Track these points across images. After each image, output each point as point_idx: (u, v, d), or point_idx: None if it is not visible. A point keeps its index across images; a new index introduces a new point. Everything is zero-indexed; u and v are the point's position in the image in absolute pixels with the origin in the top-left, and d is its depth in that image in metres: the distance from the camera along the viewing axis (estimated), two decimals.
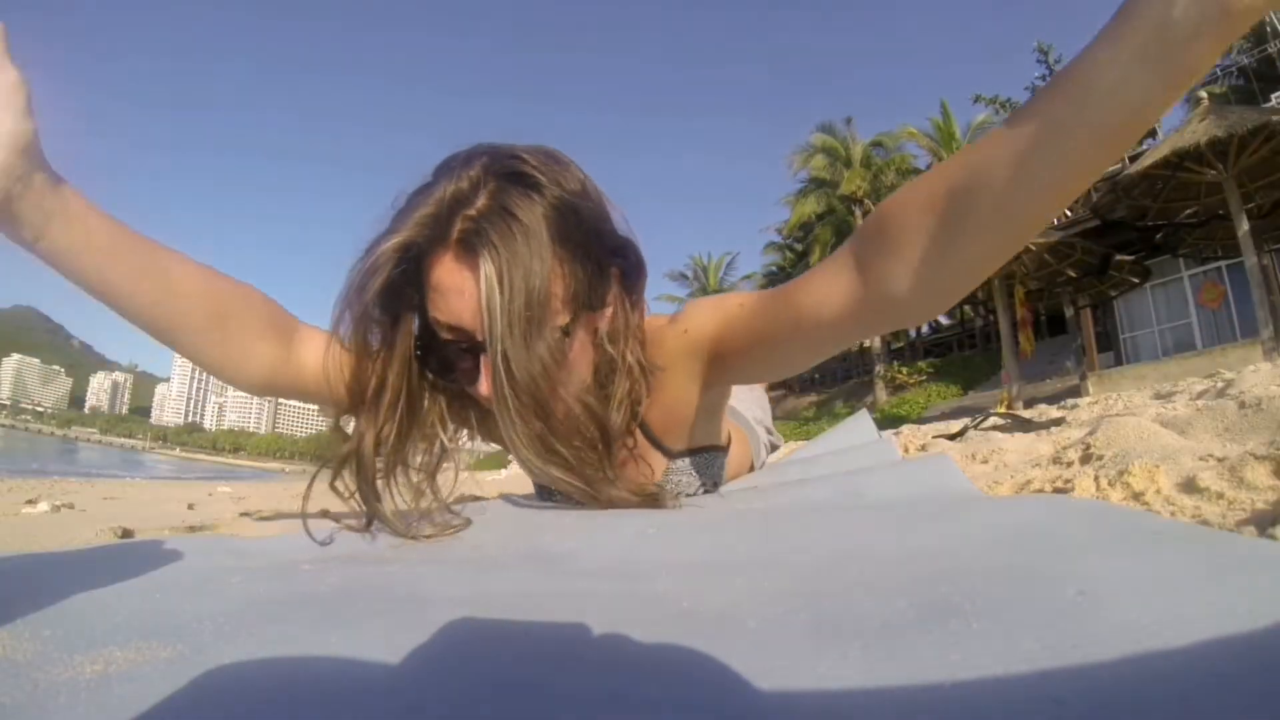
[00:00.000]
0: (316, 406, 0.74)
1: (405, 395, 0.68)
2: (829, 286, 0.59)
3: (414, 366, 0.68)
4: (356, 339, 0.65)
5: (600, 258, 0.67)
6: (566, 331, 0.64)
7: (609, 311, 0.69)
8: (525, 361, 0.59)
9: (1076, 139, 0.43)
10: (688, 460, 0.84)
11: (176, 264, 0.62)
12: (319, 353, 0.69)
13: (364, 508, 0.67)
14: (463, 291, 0.60)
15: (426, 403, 0.70)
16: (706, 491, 0.86)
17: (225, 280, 0.66)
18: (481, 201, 0.60)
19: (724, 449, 0.90)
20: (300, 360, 0.70)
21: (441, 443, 0.72)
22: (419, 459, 0.71)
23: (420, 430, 0.70)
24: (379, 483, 0.67)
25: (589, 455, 0.66)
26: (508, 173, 0.62)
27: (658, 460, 0.81)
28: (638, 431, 0.76)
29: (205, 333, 0.64)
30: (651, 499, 0.71)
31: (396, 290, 0.64)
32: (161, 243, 0.61)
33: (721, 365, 0.72)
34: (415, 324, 0.67)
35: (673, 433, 0.81)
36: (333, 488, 0.67)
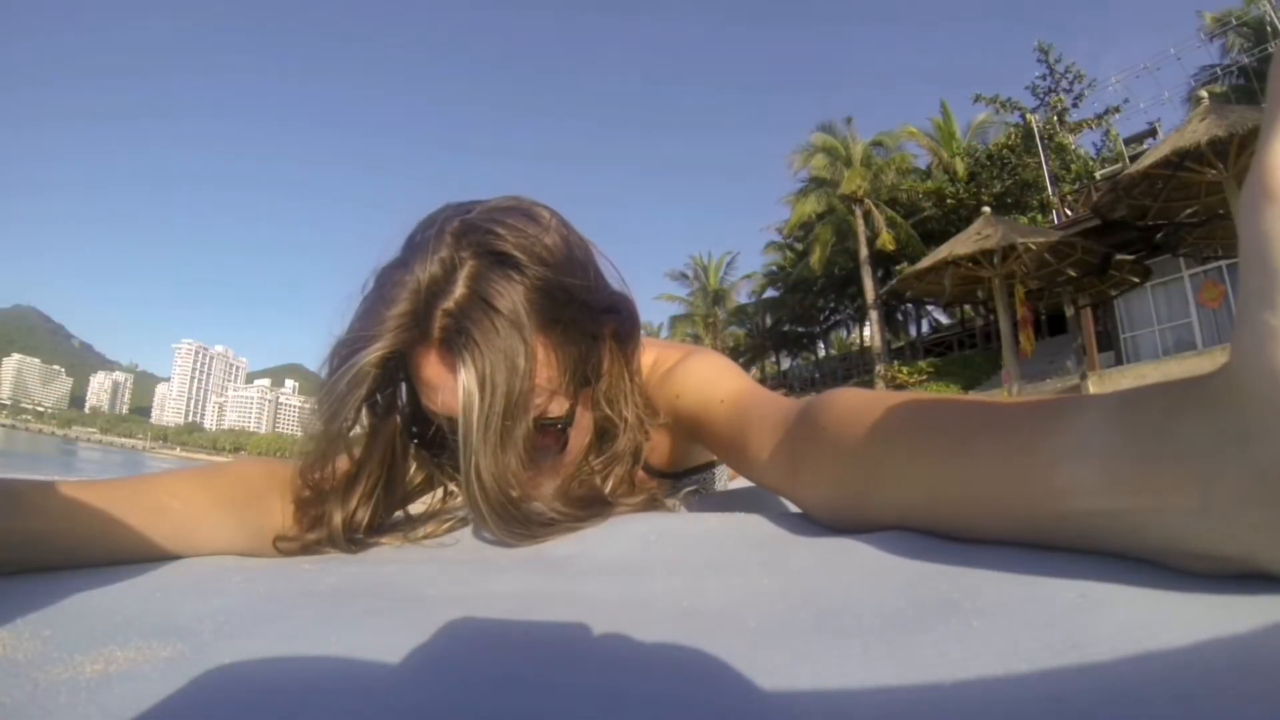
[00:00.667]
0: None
1: (384, 478, 0.65)
2: (764, 454, 0.60)
3: (398, 447, 0.65)
4: (335, 446, 0.61)
5: (593, 329, 0.64)
6: (568, 422, 0.63)
7: (605, 376, 0.68)
8: (497, 474, 0.56)
9: (1013, 521, 0.36)
10: (684, 480, 0.86)
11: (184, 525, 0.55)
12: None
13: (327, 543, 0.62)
14: (451, 388, 0.57)
15: (413, 472, 0.69)
16: (706, 492, 0.87)
17: (223, 485, 0.60)
18: (459, 291, 0.56)
19: (717, 462, 0.91)
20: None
21: (435, 501, 0.70)
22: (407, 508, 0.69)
23: (399, 495, 0.68)
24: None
25: (581, 513, 0.62)
26: (485, 251, 0.58)
27: (654, 488, 0.82)
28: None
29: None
30: (649, 500, 0.70)
31: (378, 394, 0.62)
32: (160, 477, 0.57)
33: (694, 436, 0.75)
34: (397, 420, 0.65)
35: (668, 461, 0.82)
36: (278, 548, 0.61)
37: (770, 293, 34.71)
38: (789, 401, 0.62)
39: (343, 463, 0.64)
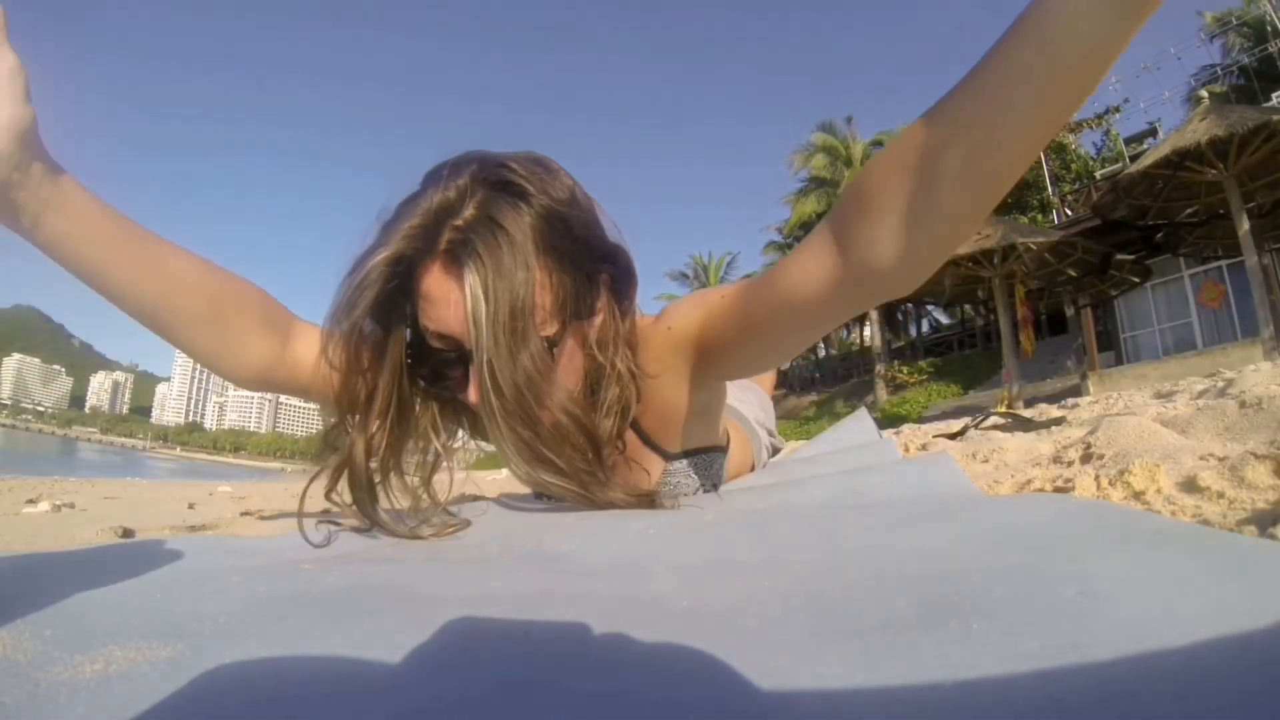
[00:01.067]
0: (316, 406, 0.74)
1: (396, 402, 0.68)
2: (808, 263, 0.57)
3: (405, 374, 0.68)
4: (347, 351, 0.65)
5: (589, 266, 0.67)
6: (555, 342, 0.65)
7: (598, 319, 0.69)
8: (510, 372, 0.59)
9: (1039, 81, 0.43)
10: (686, 461, 0.84)
11: (175, 256, 0.61)
12: (314, 349, 0.69)
13: (361, 515, 0.67)
14: (450, 301, 0.61)
15: (418, 409, 0.71)
16: (706, 492, 0.86)
17: (223, 274, 0.65)
18: (469, 211, 0.60)
19: (723, 449, 0.90)
20: (296, 356, 0.70)
21: (436, 447, 0.72)
22: (414, 463, 0.71)
23: (413, 436, 0.71)
24: (375, 489, 0.67)
25: (579, 461, 0.66)
26: (495, 181, 0.62)
27: (655, 462, 0.81)
28: (632, 435, 0.76)
29: (202, 325, 0.64)
30: (647, 500, 0.71)
31: (387, 302, 0.64)
32: (158, 235, 0.61)
33: (708, 359, 0.71)
34: (406, 333, 0.68)
35: (668, 434, 0.80)
36: (328, 499, 0.67)
37: None
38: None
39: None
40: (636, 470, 0.77)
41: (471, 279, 0.59)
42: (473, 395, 0.62)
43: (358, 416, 0.66)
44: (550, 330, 0.64)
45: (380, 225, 0.65)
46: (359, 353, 0.65)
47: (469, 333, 0.59)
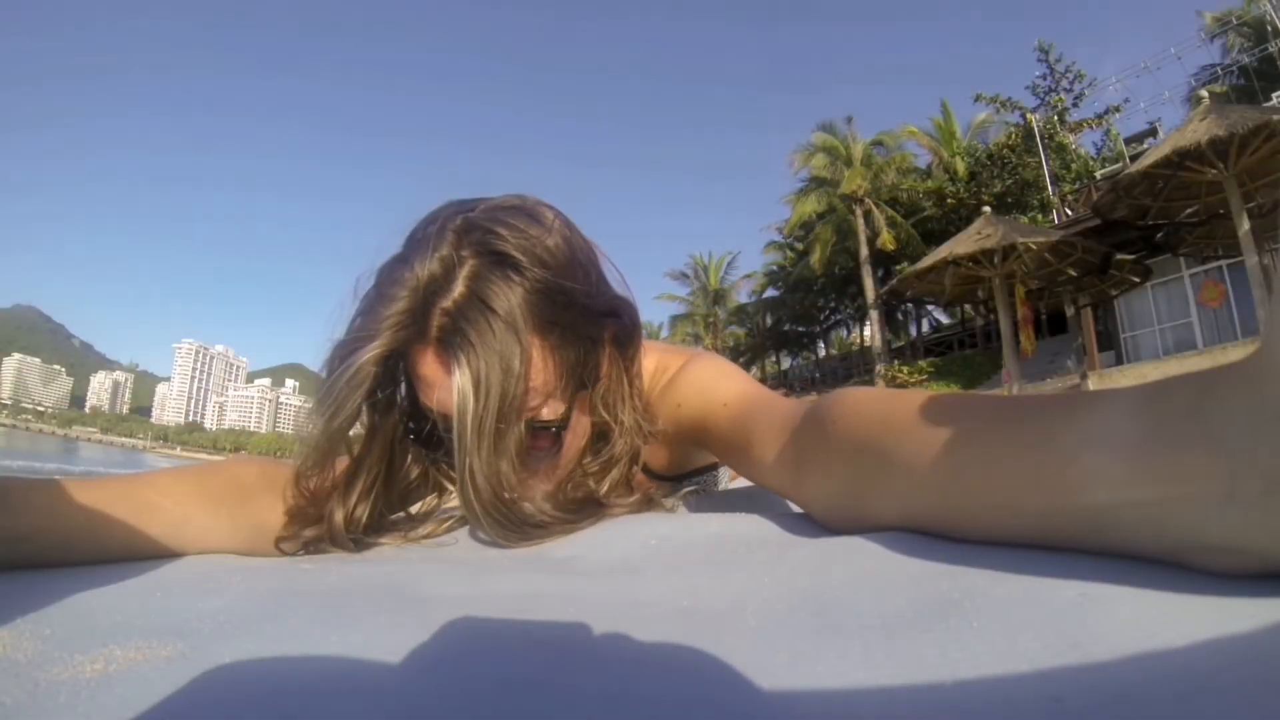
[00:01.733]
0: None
1: (384, 474, 0.65)
2: (769, 456, 0.59)
3: (396, 444, 0.66)
4: (336, 443, 0.61)
5: (592, 332, 0.64)
6: (562, 426, 0.63)
7: (603, 381, 0.67)
8: (489, 476, 0.56)
9: (1037, 533, 0.35)
10: (685, 483, 0.85)
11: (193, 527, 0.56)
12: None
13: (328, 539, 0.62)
14: (446, 387, 0.57)
15: (409, 466, 0.68)
16: (707, 492, 0.87)
17: (226, 489, 0.61)
18: (458, 290, 0.56)
19: (719, 463, 0.91)
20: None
21: (429, 502, 0.70)
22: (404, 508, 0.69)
23: (398, 491, 0.68)
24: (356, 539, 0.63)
25: (561, 526, 0.61)
26: (485, 251, 0.58)
27: (657, 487, 0.82)
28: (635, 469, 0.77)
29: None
30: (646, 501, 0.70)
31: (378, 392, 0.61)
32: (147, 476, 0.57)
33: (699, 442, 0.74)
34: (398, 405, 0.65)
35: (670, 464, 0.83)
36: (280, 549, 0.61)
37: (770, 292, 34.71)
38: (793, 403, 0.61)
39: (341, 462, 0.64)
40: (639, 490, 0.77)
41: (459, 375, 0.55)
42: (457, 493, 0.59)
43: (338, 494, 0.62)
44: (556, 413, 0.62)
45: (363, 303, 0.61)
46: (343, 446, 0.62)
47: (453, 429, 0.56)
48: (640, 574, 0.45)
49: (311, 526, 0.61)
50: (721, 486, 0.91)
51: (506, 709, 0.26)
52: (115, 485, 0.53)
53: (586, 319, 0.63)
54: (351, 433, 0.63)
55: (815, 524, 0.54)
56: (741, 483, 0.96)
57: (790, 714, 0.24)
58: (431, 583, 0.46)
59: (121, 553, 0.52)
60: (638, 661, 0.29)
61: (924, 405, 0.43)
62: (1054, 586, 0.30)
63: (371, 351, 0.57)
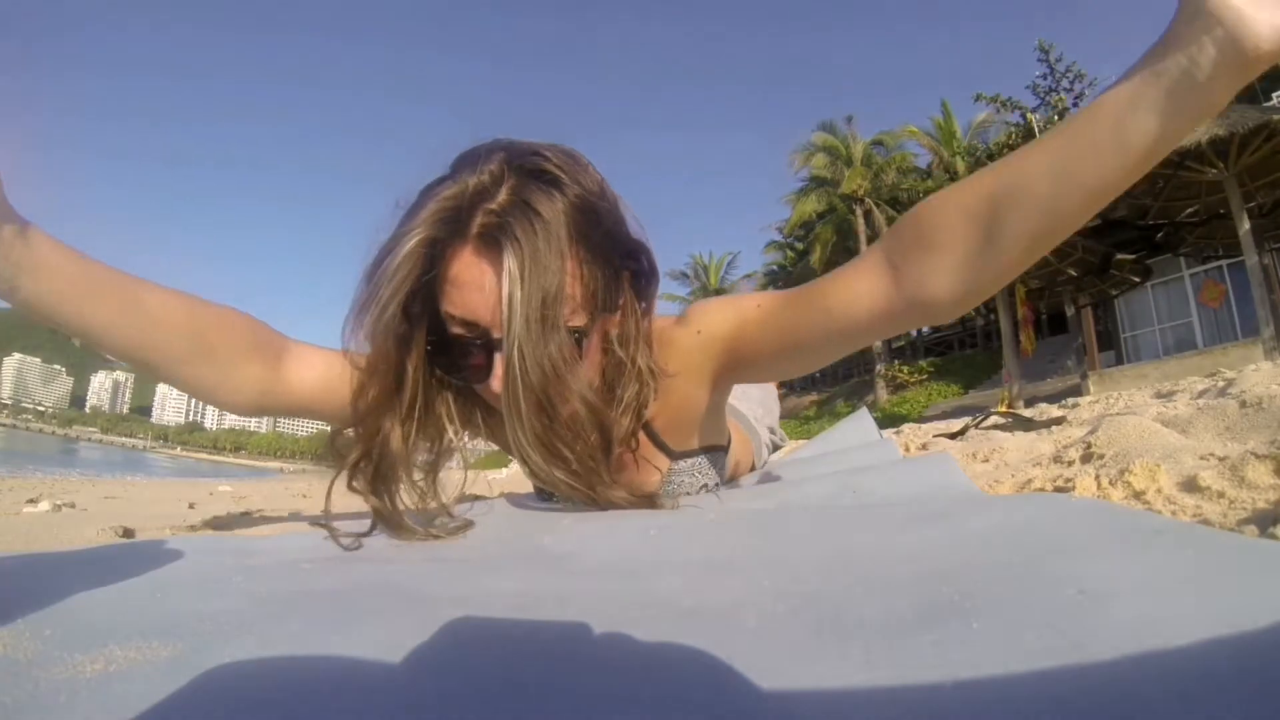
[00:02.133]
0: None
1: (423, 391, 0.67)
2: (861, 287, 0.61)
3: (426, 363, 0.67)
4: (380, 337, 0.63)
5: (615, 261, 0.66)
6: (583, 333, 0.64)
7: (621, 315, 0.69)
8: (540, 358, 0.58)
9: (1110, 157, 0.49)
10: (690, 460, 0.84)
11: (154, 296, 0.61)
12: (311, 369, 0.69)
13: (383, 508, 0.65)
14: (482, 286, 0.60)
15: (436, 400, 0.69)
16: (708, 491, 0.86)
17: (206, 306, 0.65)
18: (503, 196, 0.59)
19: (725, 447, 0.90)
20: (291, 378, 0.70)
21: (450, 438, 0.71)
22: (421, 459, 0.70)
23: (431, 429, 0.69)
24: (396, 485, 0.66)
25: (589, 459, 0.65)
26: (529, 169, 0.61)
27: (661, 460, 0.81)
28: (642, 433, 0.76)
29: (190, 362, 0.64)
30: (648, 500, 0.70)
31: (418, 287, 0.63)
32: (136, 277, 0.61)
33: (735, 365, 0.72)
34: (429, 315, 0.66)
35: (677, 434, 0.81)
36: (352, 488, 0.65)
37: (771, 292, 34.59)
38: (850, 261, 0.64)
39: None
40: (645, 468, 0.76)
41: (510, 262, 0.57)
42: (496, 383, 0.61)
43: (388, 406, 0.65)
44: (579, 321, 0.63)
45: (403, 211, 0.63)
46: (391, 334, 0.63)
47: (500, 318, 0.58)
48: (641, 573, 0.45)
49: (369, 446, 0.65)
50: (723, 475, 0.91)
51: (507, 708, 0.25)
52: (122, 276, 0.59)
53: (613, 247, 0.66)
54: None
55: (814, 522, 0.54)
56: (741, 482, 0.96)
57: (790, 714, 0.24)
58: (431, 583, 0.46)
59: (95, 333, 0.58)
60: (638, 661, 0.29)
61: (997, 162, 0.55)
62: (1053, 587, 0.30)
63: (412, 238, 0.59)
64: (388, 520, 0.65)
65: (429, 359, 0.66)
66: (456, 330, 0.63)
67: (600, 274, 0.64)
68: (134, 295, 0.59)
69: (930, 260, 0.57)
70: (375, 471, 0.65)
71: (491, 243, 0.59)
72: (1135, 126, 0.48)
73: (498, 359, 0.60)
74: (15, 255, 0.52)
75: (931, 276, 0.57)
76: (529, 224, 0.58)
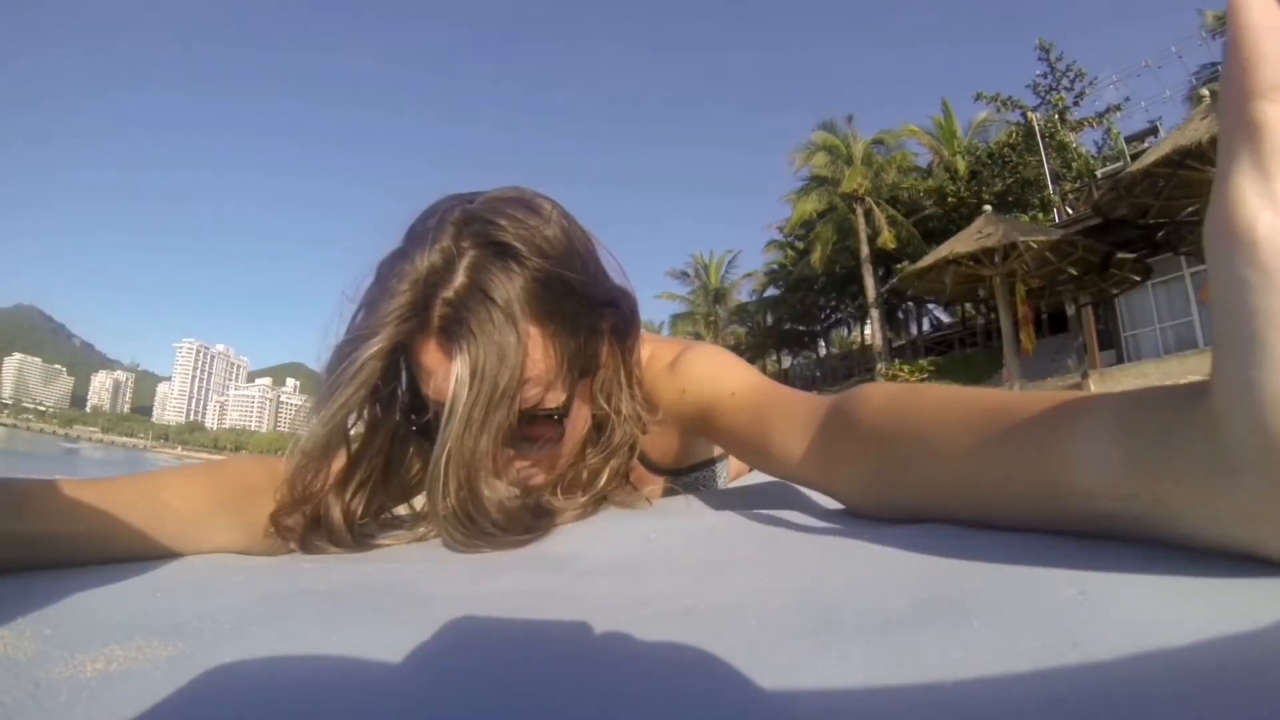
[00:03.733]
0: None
1: (382, 469, 0.66)
2: (794, 447, 0.59)
3: (397, 439, 0.66)
4: (334, 442, 0.61)
5: (591, 321, 0.65)
6: (563, 413, 0.63)
7: (603, 370, 0.68)
8: (464, 454, 0.56)
9: (1026, 517, 0.39)
10: (687, 478, 0.85)
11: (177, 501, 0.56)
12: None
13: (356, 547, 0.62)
14: (446, 375, 0.58)
15: (410, 460, 0.68)
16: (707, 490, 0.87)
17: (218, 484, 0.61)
18: (459, 281, 0.57)
19: (723, 458, 0.91)
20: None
21: (389, 508, 0.70)
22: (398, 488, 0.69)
23: (398, 486, 0.68)
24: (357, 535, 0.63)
25: (517, 531, 0.60)
26: (485, 242, 0.59)
27: (656, 484, 0.81)
28: (635, 461, 0.77)
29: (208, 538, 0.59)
30: (592, 505, 0.69)
31: (380, 388, 0.61)
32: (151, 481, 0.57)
33: (705, 430, 0.73)
34: (400, 402, 0.65)
35: (670, 457, 0.82)
36: (305, 548, 0.61)
37: (771, 291, 34.69)
38: (810, 397, 0.62)
39: (338, 460, 0.63)
40: (639, 491, 0.77)
41: (459, 360, 0.56)
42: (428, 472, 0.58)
43: (333, 490, 0.62)
44: (559, 400, 0.62)
45: (364, 298, 0.61)
46: (342, 441, 0.62)
47: (443, 409, 0.57)
48: (640, 573, 0.45)
49: (303, 519, 0.61)
50: (721, 484, 0.91)
51: (507, 709, 0.25)
52: (127, 487, 0.54)
53: (586, 308, 0.64)
54: (351, 431, 0.63)
55: (816, 523, 0.54)
56: (741, 482, 0.96)
57: (790, 713, 0.24)
58: (431, 582, 0.46)
59: (132, 554, 0.52)
60: (638, 661, 0.29)
61: (939, 405, 0.46)
62: (1054, 586, 0.30)
63: (375, 346, 0.57)
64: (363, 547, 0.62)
65: (415, 433, 0.65)
66: (436, 409, 0.61)
67: (574, 342, 0.62)
68: (160, 507, 0.55)
69: (843, 467, 0.54)
70: (332, 534, 0.62)
71: (450, 335, 0.57)
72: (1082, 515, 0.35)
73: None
74: (20, 535, 0.47)
75: (841, 481, 0.56)
76: (486, 314, 0.56)
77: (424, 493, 0.69)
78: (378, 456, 0.65)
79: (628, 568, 0.47)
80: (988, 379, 17.28)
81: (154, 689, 0.29)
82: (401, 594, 0.43)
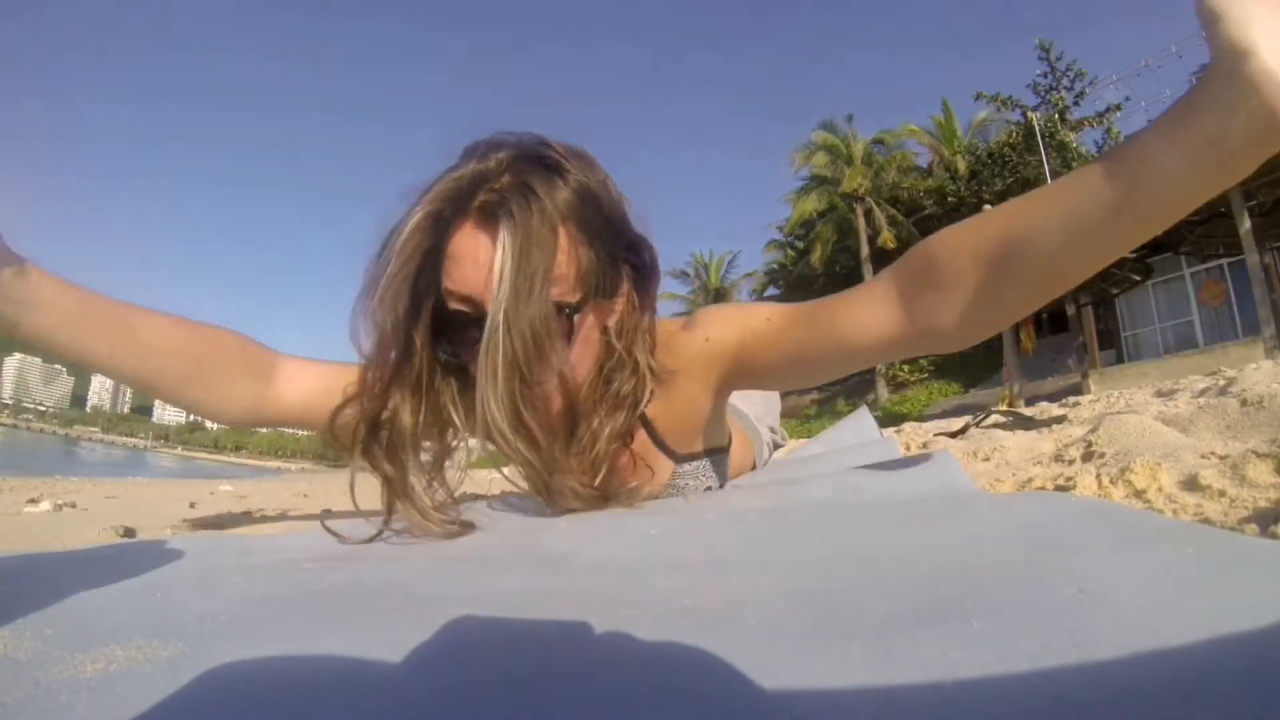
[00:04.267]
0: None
1: (427, 373, 0.67)
2: (871, 313, 0.62)
3: (431, 344, 0.67)
4: (390, 308, 0.64)
5: (614, 249, 0.67)
6: (576, 309, 0.64)
7: (619, 305, 0.69)
8: (522, 327, 0.59)
9: (1125, 218, 0.49)
10: (694, 464, 0.84)
11: (147, 323, 0.64)
12: (300, 381, 0.72)
13: (395, 477, 0.66)
14: (477, 259, 0.61)
15: (441, 387, 0.70)
16: (709, 489, 0.86)
17: (197, 330, 0.68)
18: (505, 178, 0.61)
19: (726, 448, 0.90)
20: (281, 392, 0.73)
21: (449, 435, 0.71)
22: (425, 458, 0.71)
23: (436, 415, 0.70)
24: (407, 467, 0.67)
25: (553, 438, 0.65)
26: (533, 156, 0.63)
27: (665, 464, 0.81)
28: (644, 435, 0.76)
29: (184, 385, 0.67)
30: (600, 497, 0.70)
31: (424, 261, 0.64)
32: (130, 304, 0.64)
33: (740, 374, 0.73)
34: (436, 292, 0.66)
35: (681, 437, 0.81)
36: (366, 458, 0.67)
37: (771, 291, 34.63)
38: (856, 286, 0.65)
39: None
40: (642, 469, 0.76)
41: (503, 235, 0.59)
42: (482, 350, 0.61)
43: (396, 382, 0.66)
44: (572, 299, 0.65)
45: (407, 199, 0.65)
46: (398, 312, 0.64)
47: (491, 286, 0.59)
48: (641, 572, 0.45)
49: (361, 417, 0.65)
50: (725, 475, 0.91)
51: (507, 708, 0.25)
52: (118, 307, 0.62)
53: (614, 235, 0.67)
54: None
55: (815, 522, 0.54)
56: (741, 481, 0.96)
57: (790, 713, 0.23)
58: (431, 582, 0.46)
59: (95, 363, 0.60)
60: (638, 661, 0.29)
61: (1019, 202, 0.55)
62: (1054, 584, 0.30)
63: (418, 212, 0.62)
64: (400, 492, 0.65)
65: (432, 340, 0.67)
66: (455, 306, 0.64)
67: (597, 257, 0.65)
68: (130, 325, 0.62)
69: (940, 297, 0.58)
70: (388, 444, 0.66)
71: (490, 218, 0.61)
72: (1153, 189, 0.47)
73: (486, 325, 0.61)
74: (15, 294, 0.54)
75: (940, 312, 0.59)
76: (525, 202, 0.60)
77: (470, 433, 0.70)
78: (423, 352, 0.66)
79: (629, 567, 0.47)
80: (988, 378, 17.28)
81: (154, 689, 0.29)
82: (401, 594, 0.43)
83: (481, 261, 0.61)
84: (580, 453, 0.69)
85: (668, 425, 0.79)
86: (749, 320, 0.71)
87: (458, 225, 0.62)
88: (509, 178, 0.62)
